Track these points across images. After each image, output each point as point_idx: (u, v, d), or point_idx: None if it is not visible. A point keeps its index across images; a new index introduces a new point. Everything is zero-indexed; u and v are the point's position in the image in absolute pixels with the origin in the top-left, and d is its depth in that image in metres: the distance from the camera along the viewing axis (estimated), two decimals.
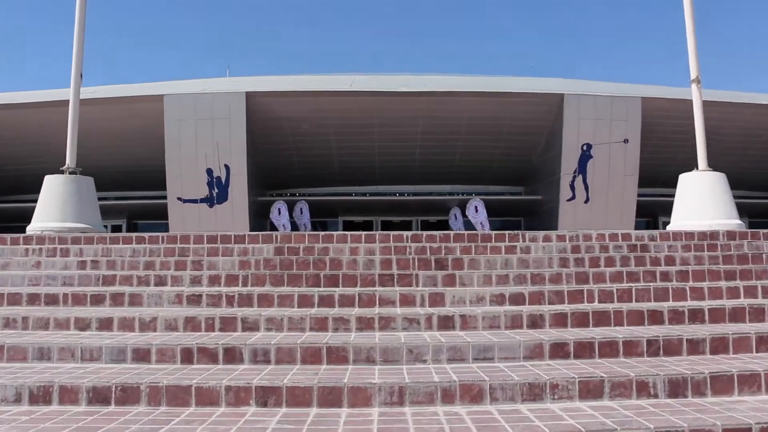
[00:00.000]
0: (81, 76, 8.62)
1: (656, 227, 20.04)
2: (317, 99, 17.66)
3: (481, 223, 18.04)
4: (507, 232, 5.83)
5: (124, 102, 17.61)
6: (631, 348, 3.29)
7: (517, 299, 4.20)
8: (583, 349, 3.27)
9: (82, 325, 3.89)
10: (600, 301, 4.20)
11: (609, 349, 3.28)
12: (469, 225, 18.18)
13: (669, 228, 7.16)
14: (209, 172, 17.83)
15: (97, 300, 4.45)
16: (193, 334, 3.69)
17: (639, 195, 18.17)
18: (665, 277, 4.72)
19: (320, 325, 3.72)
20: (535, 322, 3.74)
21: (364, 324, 3.71)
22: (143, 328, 3.84)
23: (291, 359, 3.25)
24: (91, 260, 5.63)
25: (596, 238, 5.85)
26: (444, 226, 19.34)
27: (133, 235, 6.25)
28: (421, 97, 17.59)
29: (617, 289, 4.28)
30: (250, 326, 3.77)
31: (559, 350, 3.27)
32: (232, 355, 3.29)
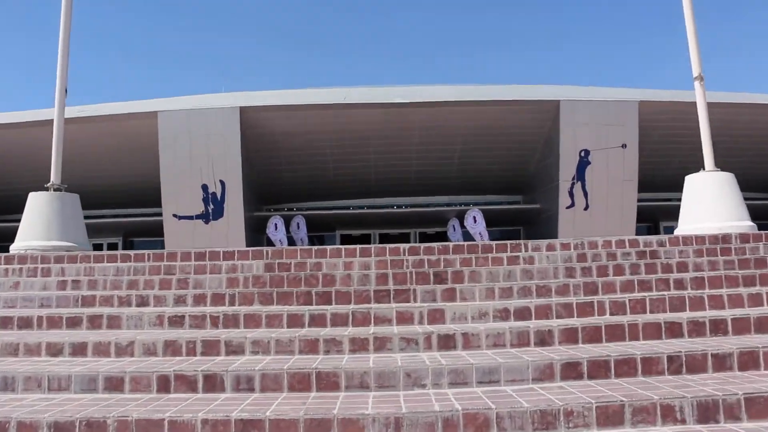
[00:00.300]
0: (66, 90, 8.42)
1: (657, 232, 19.78)
2: (312, 112, 17.46)
3: (479, 233, 17.76)
4: (509, 242, 5.56)
5: (118, 119, 17.39)
6: (650, 366, 3.00)
7: (523, 314, 3.91)
8: (598, 369, 2.98)
9: (54, 350, 3.61)
10: (612, 314, 3.91)
11: (626, 367, 2.99)
12: (467, 236, 17.89)
13: (677, 232, 6.90)
14: (204, 188, 17.59)
15: (74, 323, 4.18)
16: (172, 359, 3.39)
17: (639, 200, 17.92)
18: (680, 284, 4.44)
19: (310, 347, 3.43)
20: (544, 339, 3.45)
21: (358, 345, 3.42)
22: (119, 353, 3.55)
23: (277, 386, 2.96)
24: (72, 280, 5.37)
25: (602, 245, 5.60)
26: (442, 237, 19.06)
27: (118, 252, 5.99)
28: (415, 108, 17.37)
29: (629, 300, 4.00)
30: (234, 350, 3.47)
31: (571, 370, 2.97)
32: (212, 383, 3.00)
